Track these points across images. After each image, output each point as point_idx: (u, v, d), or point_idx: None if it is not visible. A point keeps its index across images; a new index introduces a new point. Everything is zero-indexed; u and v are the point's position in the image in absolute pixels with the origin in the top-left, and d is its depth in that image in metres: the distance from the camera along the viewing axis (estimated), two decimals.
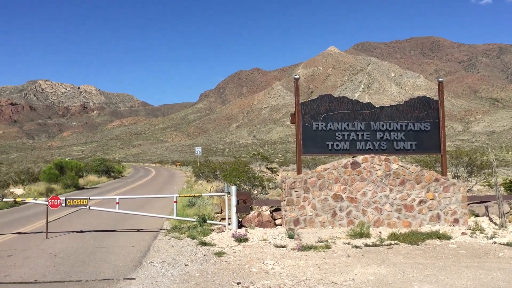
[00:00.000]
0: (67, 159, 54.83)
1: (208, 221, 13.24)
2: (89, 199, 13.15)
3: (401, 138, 13.51)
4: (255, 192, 19.41)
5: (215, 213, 14.68)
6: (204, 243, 11.14)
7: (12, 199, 15.26)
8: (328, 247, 10.40)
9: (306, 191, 12.62)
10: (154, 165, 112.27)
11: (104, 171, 51.41)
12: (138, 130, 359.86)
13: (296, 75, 14.48)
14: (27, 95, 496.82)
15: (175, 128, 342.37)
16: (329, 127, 13.36)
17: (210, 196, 18.26)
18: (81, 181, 37.04)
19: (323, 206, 12.58)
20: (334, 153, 13.59)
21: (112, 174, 53.51)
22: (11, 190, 26.42)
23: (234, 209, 12.68)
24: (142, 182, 42.66)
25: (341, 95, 14.60)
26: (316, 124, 13.36)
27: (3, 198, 13.46)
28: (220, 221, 13.44)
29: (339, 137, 13.36)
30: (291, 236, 11.32)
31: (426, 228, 12.25)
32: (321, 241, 10.89)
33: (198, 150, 56.26)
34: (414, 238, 11.03)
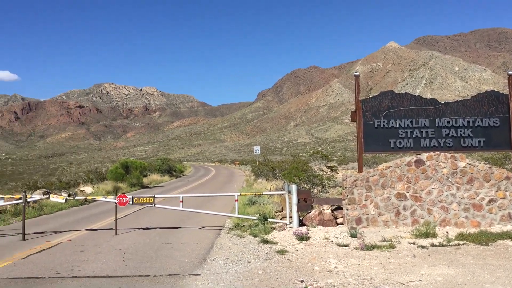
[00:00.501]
0: (131, 159, 56.98)
1: (269, 220, 13.34)
2: (155, 197, 13.62)
3: (468, 134, 12.98)
4: (315, 190, 19.31)
5: (275, 212, 14.77)
6: (266, 241, 11.24)
7: (83, 198, 16.06)
8: (392, 246, 10.19)
9: (368, 189, 12.41)
10: (213, 164, 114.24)
11: (166, 170, 52.93)
12: (198, 130, 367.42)
13: (356, 72, 14.28)
14: (94, 98, 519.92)
15: (234, 127, 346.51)
16: (391, 124, 13.08)
17: (270, 195, 18.37)
18: (145, 180, 38.37)
19: (386, 205, 12.33)
20: (396, 150, 13.27)
21: (174, 173, 55.01)
22: (81, 189, 27.83)
23: (295, 208, 12.69)
24: (203, 181, 43.57)
25: (402, 91, 14.24)
26: (377, 122, 13.11)
27: (75, 197, 14.20)
28: (281, 219, 13.51)
29: (402, 135, 13.04)
30: (353, 235, 11.19)
31: (496, 228, 11.71)
32: (384, 241, 10.69)
33: (257, 149, 56.70)
34: (484, 238, 10.58)
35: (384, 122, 13.09)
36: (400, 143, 13.05)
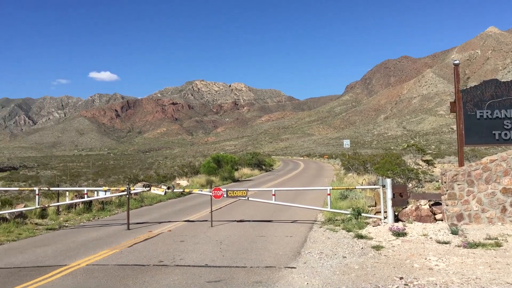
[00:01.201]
0: (221, 153, 58.59)
1: (363, 214, 13.08)
2: (248, 190, 13.91)
3: None
4: (410, 185, 18.62)
5: (368, 206, 14.47)
6: (360, 236, 11.05)
7: (181, 190, 16.81)
8: (498, 245, 9.55)
9: (470, 184, 11.72)
10: (302, 158, 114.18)
11: (256, 164, 53.79)
12: (286, 124, 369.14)
13: (455, 60, 13.48)
14: (186, 95, 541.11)
15: (321, 121, 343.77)
16: (496, 115, 12.23)
17: (362, 189, 18.01)
18: (236, 174, 39.29)
19: (490, 200, 11.56)
20: (502, 143, 12.39)
21: (263, 167, 55.75)
22: (177, 182, 29.16)
23: (389, 203, 12.32)
24: (292, 175, 43.72)
25: (505, 80, 13.25)
26: (480, 112, 12.33)
27: (173, 189, 14.90)
28: (374, 214, 13.18)
29: (508, 126, 12.15)
30: (454, 232, 10.64)
31: None
32: (489, 238, 10.04)
33: (346, 143, 55.78)
34: None
35: (487, 112, 12.29)
36: (506, 134, 12.18)
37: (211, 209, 14.08)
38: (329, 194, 13.61)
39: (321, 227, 12.89)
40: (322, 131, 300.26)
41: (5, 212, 14.91)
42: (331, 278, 7.61)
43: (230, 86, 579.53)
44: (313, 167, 58.30)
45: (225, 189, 13.92)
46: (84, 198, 16.12)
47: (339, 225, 12.79)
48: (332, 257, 9.14)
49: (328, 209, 13.62)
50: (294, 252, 9.76)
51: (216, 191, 13.71)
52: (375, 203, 14.10)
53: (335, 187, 15.46)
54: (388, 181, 12.53)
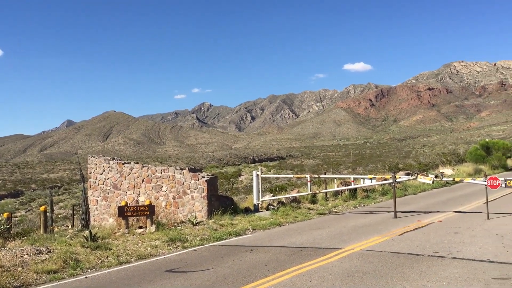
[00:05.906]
0: (486, 139, 53.12)
1: None
2: None
3: None
4: None
5: None
6: None
7: (451, 179, 15.91)
8: None
9: None
10: None
11: None
12: None
13: None
14: (443, 79, 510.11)
15: None
16: None
17: None
18: (508, 162, 35.18)
19: None
20: None
21: None
22: (441, 171, 27.72)
23: None
24: None
25: None
26: None
27: (442, 178, 14.17)
28: None
29: None
30: None
31: None
32: None
33: None
34: None
35: None
36: None
37: (487, 199, 12.87)
38: None
39: None
40: None
41: (283, 196, 16.66)
42: None
43: (495, 64, 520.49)
44: None
45: (502, 179, 12.53)
46: (350, 185, 16.76)
47: None
48: None
49: None
50: None
51: (492, 181, 12.46)
52: None
53: None
54: None
